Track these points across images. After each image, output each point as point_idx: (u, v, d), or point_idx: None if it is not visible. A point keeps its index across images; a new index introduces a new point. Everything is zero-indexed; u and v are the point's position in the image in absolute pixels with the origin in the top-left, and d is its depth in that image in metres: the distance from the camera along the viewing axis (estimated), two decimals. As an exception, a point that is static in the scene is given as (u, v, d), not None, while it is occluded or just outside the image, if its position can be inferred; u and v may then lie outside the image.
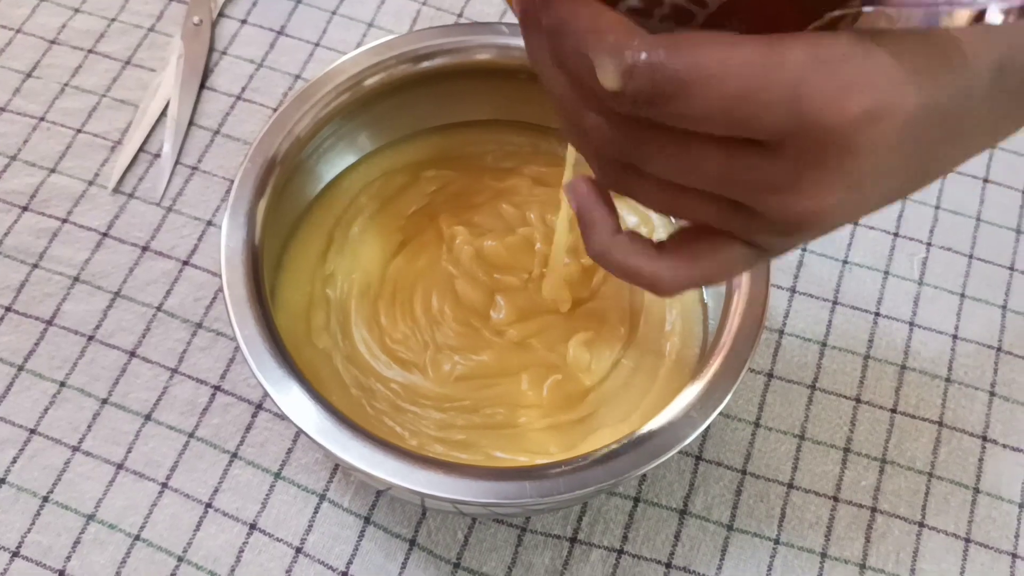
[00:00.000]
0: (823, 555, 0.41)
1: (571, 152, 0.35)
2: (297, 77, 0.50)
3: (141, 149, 0.48)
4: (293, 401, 0.34)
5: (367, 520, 0.40)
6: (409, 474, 0.34)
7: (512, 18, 0.51)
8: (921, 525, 0.42)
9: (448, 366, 0.40)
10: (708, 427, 0.35)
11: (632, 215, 0.44)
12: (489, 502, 0.33)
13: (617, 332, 0.41)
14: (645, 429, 0.35)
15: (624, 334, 0.41)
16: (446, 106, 0.44)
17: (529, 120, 0.45)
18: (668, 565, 0.40)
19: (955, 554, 0.41)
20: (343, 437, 0.34)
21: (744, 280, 0.38)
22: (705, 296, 0.42)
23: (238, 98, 0.50)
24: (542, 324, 0.41)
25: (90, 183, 0.47)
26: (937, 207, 0.49)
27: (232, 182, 0.46)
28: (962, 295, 0.47)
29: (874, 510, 0.42)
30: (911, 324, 0.46)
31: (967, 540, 0.41)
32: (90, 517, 0.40)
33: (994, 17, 0.23)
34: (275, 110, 0.48)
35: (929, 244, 0.48)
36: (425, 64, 0.42)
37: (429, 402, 0.40)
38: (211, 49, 0.51)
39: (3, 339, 0.43)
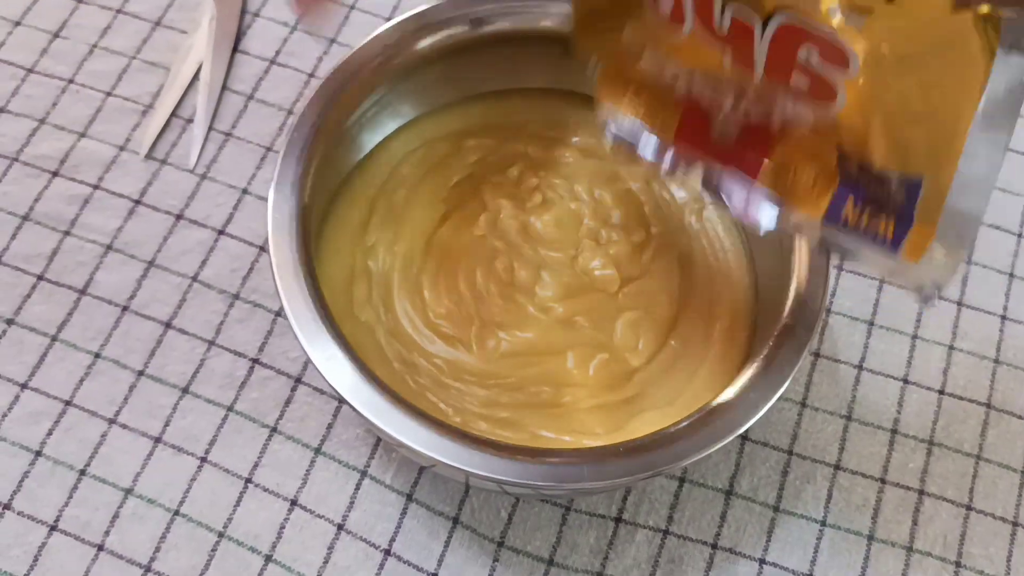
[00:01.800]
0: (870, 537, 0.40)
1: None
2: (332, 41, 0.49)
3: (173, 114, 0.46)
4: (338, 372, 0.34)
5: (409, 497, 0.40)
6: (461, 454, 0.33)
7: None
8: (969, 508, 0.41)
9: (493, 342, 0.39)
10: (758, 407, 0.35)
11: (683, 190, 0.43)
12: (544, 484, 0.33)
13: (665, 313, 0.40)
14: (703, 411, 0.34)
15: (672, 314, 0.40)
16: (494, 74, 0.43)
17: (579, 90, 0.43)
18: (714, 546, 0.40)
19: (1003, 538, 0.41)
20: (390, 411, 0.33)
21: (802, 261, 0.37)
22: (758, 278, 0.41)
23: (272, 62, 0.48)
24: (589, 302, 0.40)
25: (121, 148, 0.46)
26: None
27: (267, 149, 0.46)
28: (1011, 275, 0.46)
29: (921, 492, 0.41)
30: (959, 304, 0.45)
31: (1015, 524, 0.41)
32: (128, 491, 0.39)
33: None
34: (311, 75, 0.48)
35: (978, 222, 0.47)
36: (481, 29, 0.40)
37: (473, 379, 0.39)
38: (243, 11, 0.49)
39: (36, 308, 0.42)
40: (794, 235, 0.36)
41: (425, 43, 0.40)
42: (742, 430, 0.34)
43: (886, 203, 0.30)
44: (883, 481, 0.41)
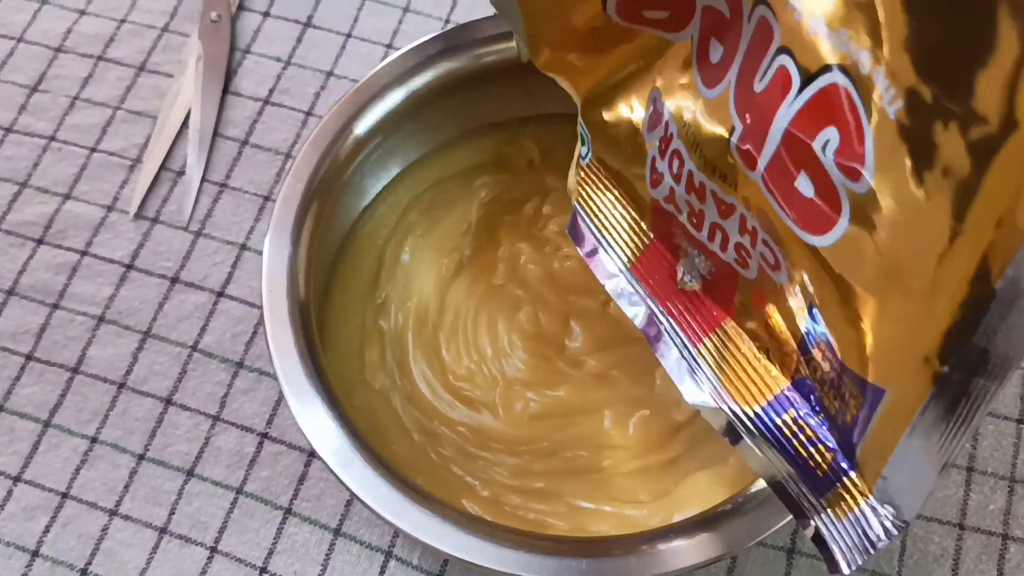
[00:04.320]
0: (952, 592, 0.36)
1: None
2: (329, 74, 0.45)
3: (163, 167, 0.43)
4: (347, 464, 0.30)
5: (440, 578, 0.36)
6: (486, 552, 0.29)
7: None
8: (1061, 553, 0.37)
9: (521, 404, 0.36)
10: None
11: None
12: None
13: (712, 360, 0.36)
14: (750, 490, 0.30)
15: (720, 362, 0.36)
16: (505, 103, 0.39)
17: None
18: (779, 613, 0.36)
19: (1101, 584, 0.37)
20: (404, 506, 0.30)
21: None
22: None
23: (266, 102, 0.45)
24: (625, 353, 0.36)
25: (109, 209, 0.42)
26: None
27: (265, 198, 0.42)
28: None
29: (1005, 537, 0.37)
30: (1034, 320, 0.41)
31: (1114, 567, 0.37)
32: (134, 589, 0.36)
33: None
34: (308, 113, 0.44)
35: None
36: (488, 57, 0.37)
37: (501, 446, 0.35)
38: (232, 48, 0.46)
39: (26, 391, 0.39)
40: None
41: (428, 77, 0.37)
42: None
43: (834, 425, 0.25)
44: (961, 527, 0.37)
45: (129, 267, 0.41)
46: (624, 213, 0.32)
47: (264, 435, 0.38)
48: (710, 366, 0.28)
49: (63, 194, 0.43)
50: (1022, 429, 0.39)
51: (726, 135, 0.26)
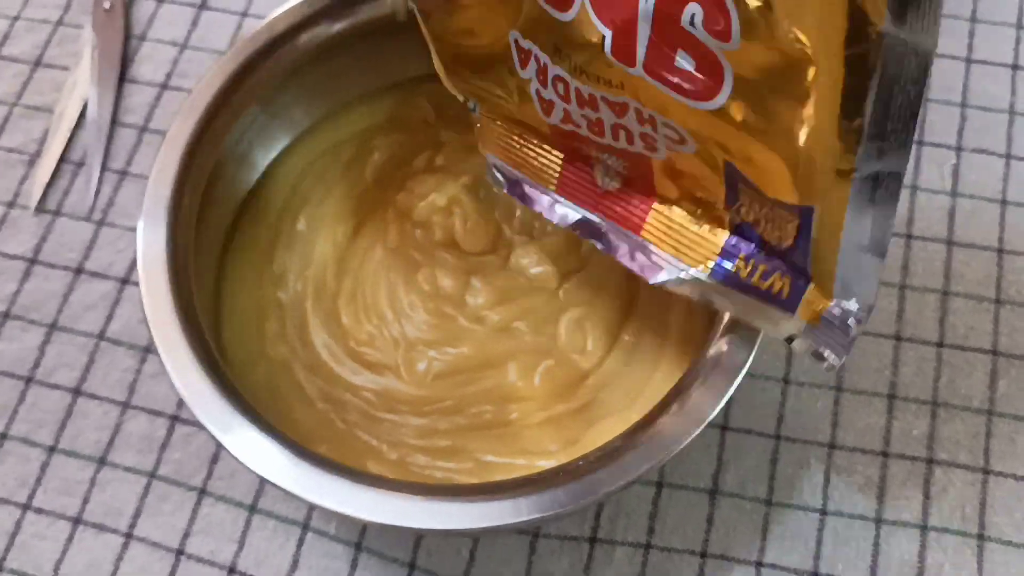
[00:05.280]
0: (878, 520, 0.36)
1: None
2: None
3: (62, 159, 0.43)
4: (247, 444, 0.30)
5: (358, 547, 0.36)
6: (390, 508, 0.29)
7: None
8: (986, 472, 0.36)
9: (424, 364, 0.35)
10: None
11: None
12: (486, 527, 0.29)
13: (614, 305, 0.36)
14: (656, 408, 0.30)
15: (622, 306, 0.36)
16: (394, 61, 0.38)
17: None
18: (703, 555, 0.35)
19: (1029, 500, 0.36)
20: (310, 476, 0.29)
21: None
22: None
23: (163, 87, 0.44)
24: (528, 304, 0.36)
25: (10, 205, 0.42)
26: (963, 105, 0.43)
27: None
28: (1003, 201, 0.41)
29: (930, 461, 0.37)
30: (949, 243, 0.40)
31: (1041, 482, 0.36)
32: (50, 582, 0.35)
33: None
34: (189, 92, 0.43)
35: (959, 149, 0.42)
36: (368, 13, 0.36)
37: (407, 407, 0.35)
38: (127, 36, 0.45)
39: (-68, 393, 0.38)
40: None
41: (304, 38, 0.36)
42: (702, 427, 0.30)
43: (780, 253, 0.28)
44: (886, 455, 0.37)
45: (32, 261, 0.41)
46: (530, 147, 0.33)
47: (175, 417, 0.38)
48: (657, 246, 0.31)
49: (-38, 194, 0.42)
50: (942, 352, 0.38)
51: (598, 45, 0.27)
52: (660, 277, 0.31)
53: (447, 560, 0.35)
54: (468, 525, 0.28)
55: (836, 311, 0.28)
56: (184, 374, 0.30)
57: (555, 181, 0.33)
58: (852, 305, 0.27)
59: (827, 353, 0.28)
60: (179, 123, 0.34)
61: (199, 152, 0.34)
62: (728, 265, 0.29)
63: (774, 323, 0.29)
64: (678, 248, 0.30)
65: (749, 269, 0.29)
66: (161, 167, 0.33)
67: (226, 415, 0.30)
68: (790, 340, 0.29)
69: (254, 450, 0.30)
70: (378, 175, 0.38)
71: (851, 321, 0.28)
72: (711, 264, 0.30)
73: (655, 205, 0.31)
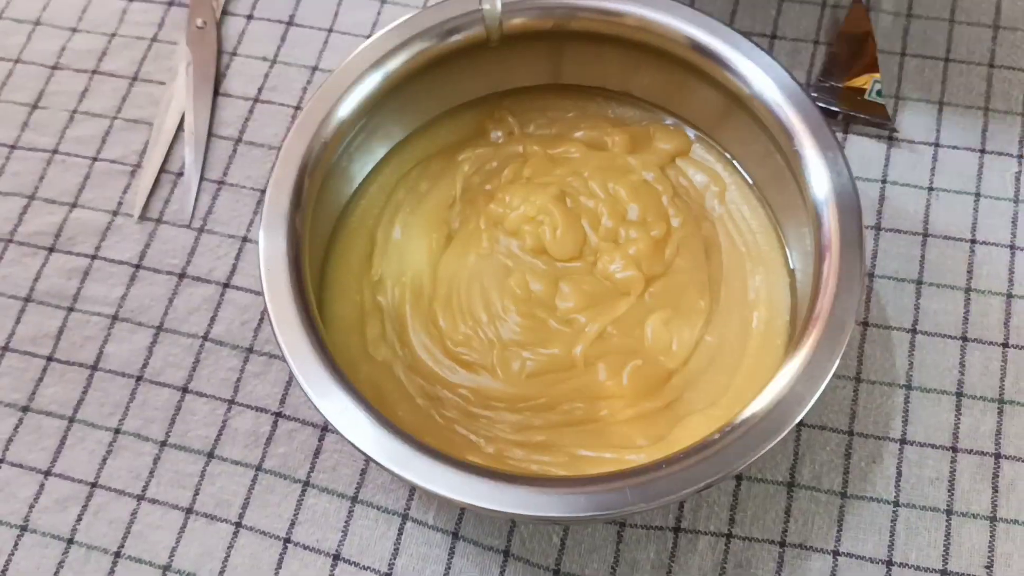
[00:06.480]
0: (948, 512, 0.38)
1: None
2: (315, 69, 0.47)
3: (162, 170, 0.45)
4: (357, 428, 0.32)
5: (455, 535, 0.38)
6: (492, 494, 0.31)
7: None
8: (1052, 467, 0.38)
9: (517, 364, 0.37)
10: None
11: (701, 173, 0.40)
12: (585, 516, 0.31)
13: (697, 307, 0.38)
14: (748, 412, 0.32)
15: (705, 308, 0.38)
16: (480, 79, 0.41)
17: (574, 82, 0.41)
18: (782, 544, 0.37)
19: (1094, 494, 0.38)
20: (415, 460, 0.31)
21: (834, 227, 0.34)
22: (790, 258, 0.38)
23: (255, 100, 0.47)
24: (614, 307, 0.38)
25: (115, 213, 0.44)
26: None
27: (262, 192, 0.44)
28: (1064, 207, 0.43)
29: (998, 456, 0.38)
30: (1012, 247, 0.42)
31: (1105, 477, 0.38)
32: (166, 568, 0.38)
33: None
34: (297, 108, 0.46)
35: (1021, 157, 0.44)
36: (454, 37, 0.38)
37: (502, 404, 0.37)
38: (220, 51, 0.48)
39: (49, 391, 0.41)
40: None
41: (403, 59, 0.38)
42: (792, 425, 0.31)
43: None
44: (955, 450, 0.39)
45: (137, 267, 0.43)
46: None
47: (278, 414, 0.40)
48: None
49: (69, 203, 0.45)
50: (1007, 351, 0.40)
51: None
52: None
53: (539, 548, 0.37)
54: (586, 512, 0.30)
55: None
56: (307, 373, 0.32)
57: None
58: None
59: None
60: (294, 136, 0.36)
61: (311, 162, 0.36)
62: None
63: None
64: None
65: None
66: (279, 176, 0.35)
67: (344, 406, 0.32)
68: None
69: (369, 437, 0.32)
70: (467, 185, 0.40)
71: None
72: None
73: None
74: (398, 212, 0.40)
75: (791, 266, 0.38)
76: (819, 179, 0.35)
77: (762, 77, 0.37)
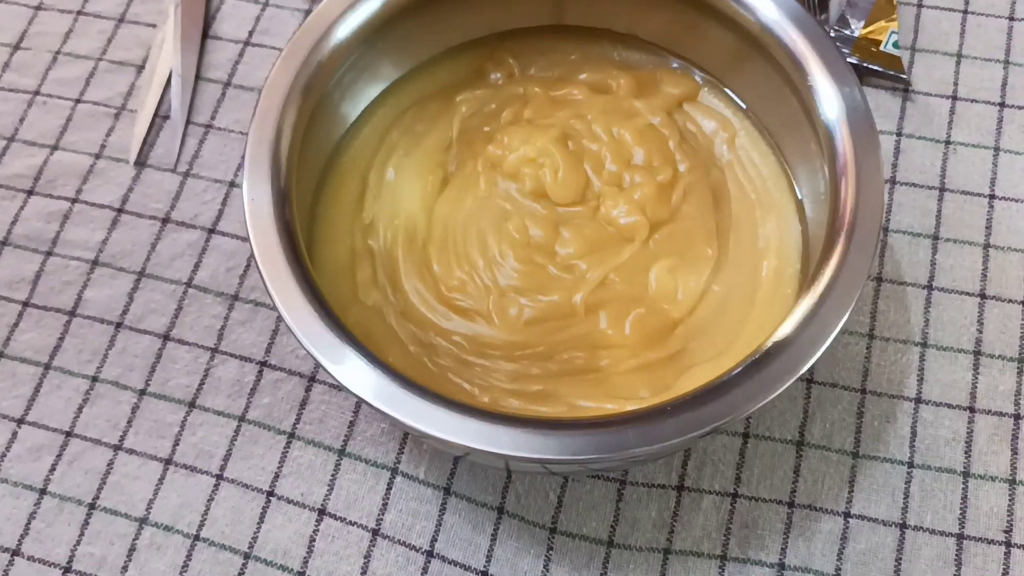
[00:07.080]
0: (965, 474, 0.36)
1: None
2: (308, 12, 0.45)
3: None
4: (350, 370, 0.30)
5: (447, 491, 0.36)
6: (491, 436, 0.29)
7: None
8: (1074, 428, 0.36)
9: (515, 310, 0.35)
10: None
11: (709, 119, 0.39)
12: (586, 458, 0.29)
13: (704, 255, 0.36)
14: (757, 354, 0.30)
15: (712, 256, 0.36)
16: (481, 16, 0.39)
17: (579, 23, 0.39)
18: (790, 504, 0.35)
19: (1117, 457, 0.36)
20: (411, 402, 0.29)
21: (851, 176, 0.32)
22: (803, 206, 0.36)
23: (246, 43, 0.45)
24: (617, 254, 0.36)
25: (97, 156, 0.43)
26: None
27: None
28: (1086, 163, 0.41)
29: (1017, 417, 0.37)
30: (1033, 202, 0.40)
31: None
32: (143, 521, 0.36)
33: None
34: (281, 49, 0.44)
35: (1043, 110, 0.42)
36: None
37: (498, 352, 0.35)
38: (210, -6, 0.46)
39: (24, 337, 0.39)
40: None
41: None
42: (803, 370, 0.30)
43: None
44: (972, 410, 0.37)
45: (120, 211, 0.41)
46: None
47: (263, 363, 0.38)
48: None
49: (51, 145, 0.43)
50: (1027, 310, 0.38)
51: None
52: None
53: (536, 504, 0.36)
54: (586, 455, 0.28)
55: None
56: (294, 311, 0.31)
57: None
58: None
59: None
60: (278, 70, 0.34)
61: (298, 99, 0.34)
62: None
63: None
64: None
65: None
66: (262, 111, 0.33)
67: (335, 347, 0.30)
68: None
69: (360, 379, 0.30)
70: (465, 127, 0.39)
71: None
72: None
73: None
74: (392, 154, 0.38)
75: (802, 212, 0.36)
76: (831, 107, 0.33)
77: (775, 11, 0.35)
